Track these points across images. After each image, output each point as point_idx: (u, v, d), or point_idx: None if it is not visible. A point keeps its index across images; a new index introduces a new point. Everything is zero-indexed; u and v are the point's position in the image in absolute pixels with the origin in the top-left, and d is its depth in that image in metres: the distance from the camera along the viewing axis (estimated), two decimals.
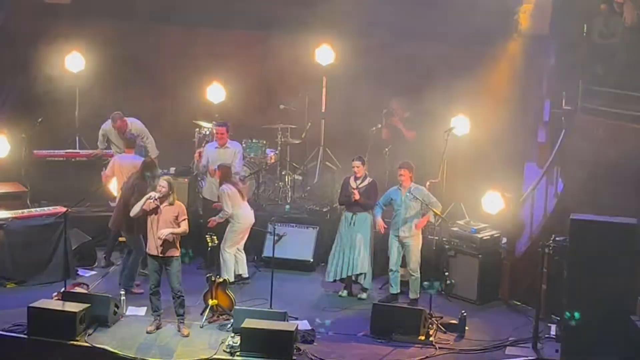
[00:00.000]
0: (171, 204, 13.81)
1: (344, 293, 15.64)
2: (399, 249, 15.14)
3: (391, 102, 17.56)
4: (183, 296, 13.99)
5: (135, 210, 13.99)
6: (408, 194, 15.01)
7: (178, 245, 13.88)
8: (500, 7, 17.86)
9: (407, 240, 15.08)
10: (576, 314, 13.16)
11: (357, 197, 15.25)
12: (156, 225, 13.75)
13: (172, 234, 13.69)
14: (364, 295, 15.54)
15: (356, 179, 15.45)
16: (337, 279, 15.55)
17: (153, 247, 13.81)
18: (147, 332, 13.86)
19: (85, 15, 19.01)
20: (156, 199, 13.71)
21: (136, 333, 13.89)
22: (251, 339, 13.28)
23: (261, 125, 18.35)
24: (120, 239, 15.78)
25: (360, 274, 15.40)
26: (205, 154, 16.48)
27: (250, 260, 16.54)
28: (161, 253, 13.72)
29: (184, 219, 13.86)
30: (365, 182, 15.42)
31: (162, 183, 13.82)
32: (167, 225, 13.71)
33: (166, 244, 13.71)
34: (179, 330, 13.91)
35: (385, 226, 15.18)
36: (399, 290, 15.26)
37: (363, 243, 15.36)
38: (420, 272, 15.09)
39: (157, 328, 13.98)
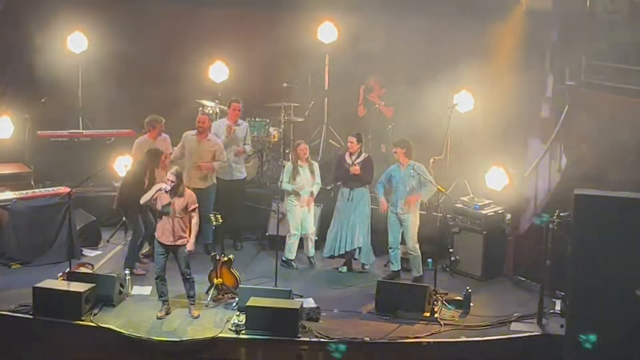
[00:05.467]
0: (180, 196, 13.74)
1: (344, 269, 15.65)
2: (397, 225, 15.14)
3: (369, 78, 17.51)
4: (193, 278, 13.96)
5: (145, 199, 13.97)
6: (412, 170, 15.00)
7: (188, 234, 13.81)
8: None
9: (404, 216, 15.06)
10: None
11: (357, 171, 15.25)
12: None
13: (190, 245, 13.79)
14: (366, 267, 15.61)
15: (351, 154, 15.45)
16: (335, 254, 15.57)
17: (162, 235, 13.77)
18: (158, 318, 13.77)
19: None
20: (166, 191, 13.67)
21: (141, 313, 13.94)
22: (256, 317, 13.31)
23: (264, 103, 18.32)
24: None
25: (356, 248, 15.42)
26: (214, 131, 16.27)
27: (254, 239, 16.61)
28: (172, 242, 13.72)
29: (194, 208, 13.79)
30: (361, 158, 15.42)
31: (170, 176, 13.69)
32: (177, 214, 13.67)
33: (176, 233, 13.71)
34: (189, 312, 13.88)
35: (388, 206, 15.13)
36: (399, 267, 15.29)
37: (360, 219, 15.37)
38: (421, 250, 15.13)
39: (167, 313, 13.90)
